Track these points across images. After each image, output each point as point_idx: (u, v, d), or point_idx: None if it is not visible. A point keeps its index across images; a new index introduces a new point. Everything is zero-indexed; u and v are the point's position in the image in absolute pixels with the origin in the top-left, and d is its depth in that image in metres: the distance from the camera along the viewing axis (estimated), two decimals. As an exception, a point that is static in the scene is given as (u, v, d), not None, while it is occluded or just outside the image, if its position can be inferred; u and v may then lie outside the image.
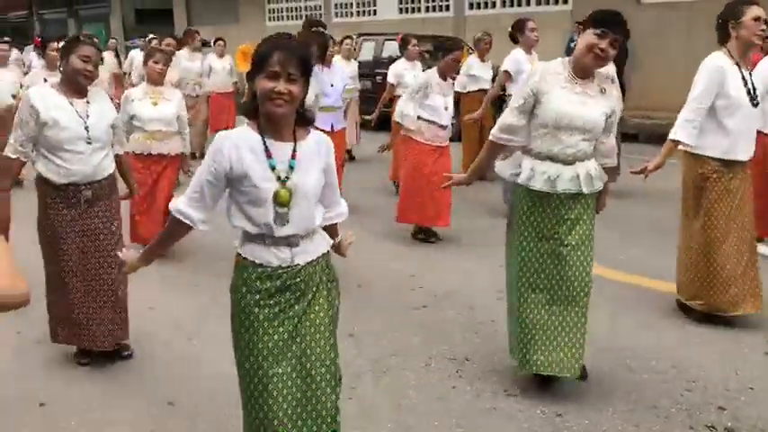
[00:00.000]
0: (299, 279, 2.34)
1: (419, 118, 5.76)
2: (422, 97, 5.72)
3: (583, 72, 3.15)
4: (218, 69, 11.02)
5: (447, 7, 16.86)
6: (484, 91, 8.05)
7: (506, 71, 6.91)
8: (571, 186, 3.18)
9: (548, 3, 15.04)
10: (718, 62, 3.91)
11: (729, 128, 3.91)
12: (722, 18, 3.94)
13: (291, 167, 2.27)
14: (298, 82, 2.21)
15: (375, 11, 18.52)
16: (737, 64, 3.91)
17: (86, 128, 3.59)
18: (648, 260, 5.31)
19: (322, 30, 5.82)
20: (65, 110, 3.57)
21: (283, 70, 2.18)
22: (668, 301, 4.48)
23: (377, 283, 5.06)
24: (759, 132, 4.26)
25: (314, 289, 2.38)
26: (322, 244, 2.45)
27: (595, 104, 3.15)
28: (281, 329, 2.32)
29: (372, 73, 12.47)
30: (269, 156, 2.25)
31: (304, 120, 2.36)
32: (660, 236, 5.65)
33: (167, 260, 5.35)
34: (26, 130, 3.53)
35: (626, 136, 7.88)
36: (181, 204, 2.38)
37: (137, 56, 11.53)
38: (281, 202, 2.25)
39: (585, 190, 3.21)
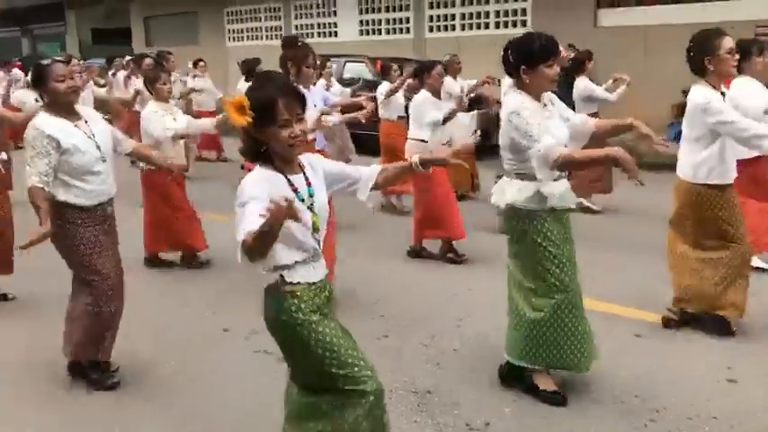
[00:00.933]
0: (328, 287, 2.61)
1: (421, 140, 5.98)
2: (421, 119, 5.96)
3: (540, 97, 3.42)
4: (200, 89, 11.28)
5: (407, 29, 16.95)
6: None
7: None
8: (575, 196, 3.54)
9: (506, 26, 15.21)
10: (707, 94, 3.97)
11: (728, 154, 4.10)
12: (696, 53, 4.03)
13: (311, 195, 2.49)
14: (303, 119, 2.41)
15: (336, 32, 18.53)
16: (722, 93, 4.05)
17: (98, 147, 3.71)
18: (610, 285, 5.31)
19: (305, 43, 5.74)
20: (75, 135, 3.64)
21: (292, 114, 2.34)
22: (631, 328, 4.46)
23: (339, 310, 4.93)
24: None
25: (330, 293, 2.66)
26: None
27: (558, 121, 3.43)
28: (334, 329, 2.56)
29: (333, 94, 12.46)
30: (295, 191, 2.44)
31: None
32: (623, 257, 5.66)
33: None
34: (48, 160, 3.54)
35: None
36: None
37: (119, 77, 11.47)
38: (317, 228, 2.49)
39: (575, 200, 3.55)
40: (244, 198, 2.30)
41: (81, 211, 3.69)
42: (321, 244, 2.56)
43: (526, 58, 3.32)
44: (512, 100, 3.38)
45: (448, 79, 8.55)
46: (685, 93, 13.29)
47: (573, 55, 10.80)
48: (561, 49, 3.46)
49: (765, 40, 5.19)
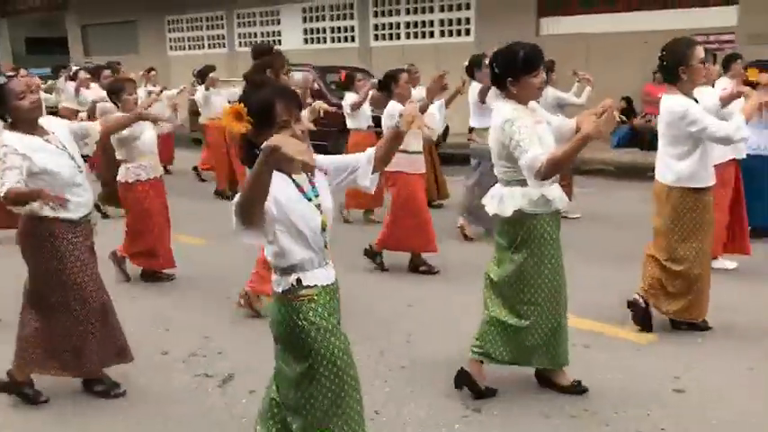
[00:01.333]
0: (338, 289, 2.58)
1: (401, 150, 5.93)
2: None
3: (527, 104, 3.47)
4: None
5: (353, 38, 16.88)
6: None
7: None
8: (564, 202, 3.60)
9: (451, 35, 15.28)
10: (681, 101, 4.11)
11: (708, 158, 4.26)
12: (669, 62, 4.14)
13: (317, 195, 2.46)
14: (300, 119, 2.39)
15: (280, 41, 18.31)
16: (696, 100, 4.19)
17: (72, 158, 3.62)
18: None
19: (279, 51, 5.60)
20: (47, 150, 3.53)
21: (290, 115, 2.32)
22: (581, 339, 4.42)
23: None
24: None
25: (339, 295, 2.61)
26: None
27: (546, 127, 3.49)
28: (342, 337, 2.50)
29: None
30: (302, 191, 2.42)
31: None
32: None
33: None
34: (20, 171, 3.38)
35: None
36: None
37: (69, 86, 10.96)
38: (324, 227, 2.46)
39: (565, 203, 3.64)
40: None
41: (71, 225, 3.60)
42: (328, 245, 2.54)
43: (511, 71, 3.36)
44: (505, 108, 3.42)
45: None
46: (626, 100, 13.49)
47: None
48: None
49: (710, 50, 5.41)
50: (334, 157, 2.67)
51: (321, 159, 2.58)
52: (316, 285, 2.44)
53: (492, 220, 3.74)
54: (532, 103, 3.52)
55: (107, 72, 9.98)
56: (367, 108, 8.03)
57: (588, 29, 13.15)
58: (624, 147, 12.47)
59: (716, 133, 4.07)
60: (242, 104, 2.22)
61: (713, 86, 5.38)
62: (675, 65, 4.10)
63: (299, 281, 2.42)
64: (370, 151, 2.66)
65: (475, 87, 7.11)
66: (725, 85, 5.92)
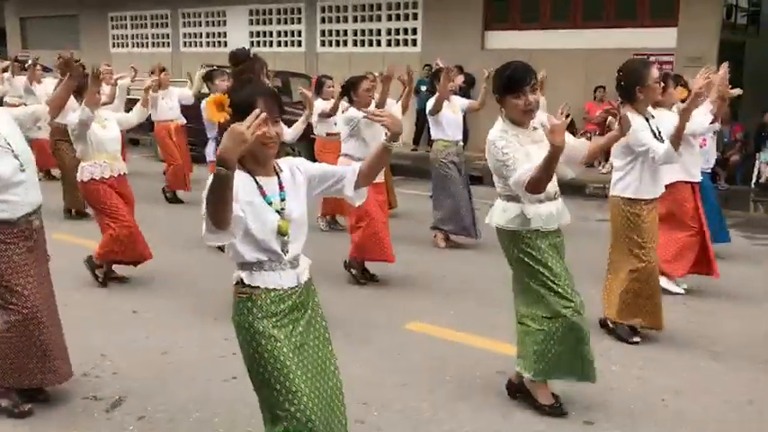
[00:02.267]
0: (303, 296, 2.57)
1: (347, 156, 5.75)
2: (353, 135, 5.74)
3: (525, 124, 3.43)
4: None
5: (300, 43, 16.64)
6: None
7: None
8: (566, 218, 3.58)
9: (398, 44, 15.17)
10: (638, 121, 4.24)
11: (656, 172, 4.45)
12: (626, 81, 4.27)
13: (283, 199, 2.48)
14: (279, 123, 2.45)
15: (225, 42, 17.95)
16: (646, 118, 4.34)
17: (16, 156, 3.42)
18: (476, 316, 5.16)
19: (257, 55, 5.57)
20: None
21: (269, 115, 2.30)
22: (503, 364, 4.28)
23: (184, 352, 4.52)
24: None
25: (310, 303, 2.61)
26: (306, 259, 2.64)
27: (545, 143, 3.31)
28: (292, 346, 2.49)
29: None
30: (263, 193, 2.45)
31: (279, 153, 2.56)
32: (487, 291, 5.53)
33: None
34: None
35: (471, 178, 7.88)
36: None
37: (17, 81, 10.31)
38: (284, 232, 2.45)
39: (568, 218, 3.61)
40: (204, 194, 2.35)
41: (6, 225, 3.42)
42: (293, 251, 2.52)
43: (498, 89, 3.41)
44: (494, 128, 3.47)
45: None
46: (569, 117, 13.57)
47: (463, 79, 10.83)
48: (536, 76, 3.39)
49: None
50: (322, 165, 2.74)
51: (309, 167, 2.65)
52: (258, 287, 2.48)
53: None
54: (542, 119, 3.46)
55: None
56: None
57: (532, 45, 13.16)
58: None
59: (654, 156, 4.27)
60: (226, 96, 2.32)
61: (671, 109, 5.35)
62: (632, 85, 4.23)
63: (242, 279, 2.49)
64: (356, 165, 2.70)
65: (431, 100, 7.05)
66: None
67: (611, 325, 4.74)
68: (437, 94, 6.88)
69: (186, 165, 9.39)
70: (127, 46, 20.33)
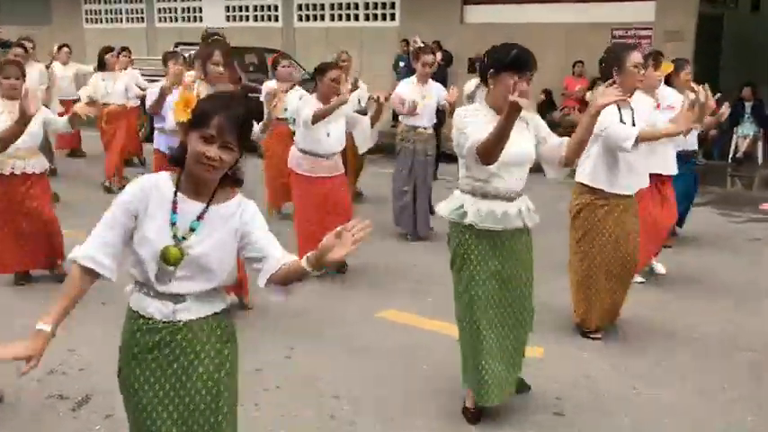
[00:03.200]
0: (179, 336, 2.23)
1: (301, 151, 5.44)
2: (305, 128, 5.34)
3: (503, 111, 3.05)
4: (61, 77, 10.12)
5: (276, 18, 16.35)
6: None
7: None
8: (518, 222, 3.31)
9: (376, 18, 14.96)
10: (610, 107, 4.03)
11: (621, 166, 4.17)
12: (606, 64, 4.14)
13: (193, 229, 2.18)
14: (232, 150, 2.15)
15: (201, 17, 17.60)
16: (618, 107, 4.07)
17: None
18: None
19: (220, 36, 5.13)
20: None
21: (220, 136, 2.11)
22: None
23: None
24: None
25: (197, 348, 2.25)
26: (216, 303, 2.30)
27: (523, 138, 3.24)
28: (157, 387, 2.24)
29: (192, 85, 11.77)
30: (174, 210, 2.18)
31: (231, 181, 2.26)
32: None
33: None
34: None
35: (447, 156, 7.79)
36: (88, 250, 2.18)
37: None
38: (169, 260, 2.15)
39: (530, 224, 3.36)
40: (112, 206, 2.21)
41: None
42: (181, 290, 2.20)
43: (496, 63, 3.21)
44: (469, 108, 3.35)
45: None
46: (545, 92, 13.50)
47: (441, 57, 10.63)
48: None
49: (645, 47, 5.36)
50: (263, 235, 2.25)
51: (252, 225, 2.23)
52: (137, 312, 2.26)
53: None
54: (531, 115, 3.29)
55: (18, 50, 8.78)
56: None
57: (511, 19, 13.03)
58: (543, 139, 12.50)
59: (608, 139, 4.07)
60: (195, 99, 2.22)
61: (655, 93, 5.22)
62: (609, 68, 4.10)
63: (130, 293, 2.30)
64: (281, 260, 2.22)
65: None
66: (670, 95, 5.52)
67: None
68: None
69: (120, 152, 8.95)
70: (100, 21, 19.87)
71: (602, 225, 4.24)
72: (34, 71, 9.20)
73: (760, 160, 11.23)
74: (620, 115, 4.11)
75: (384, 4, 14.80)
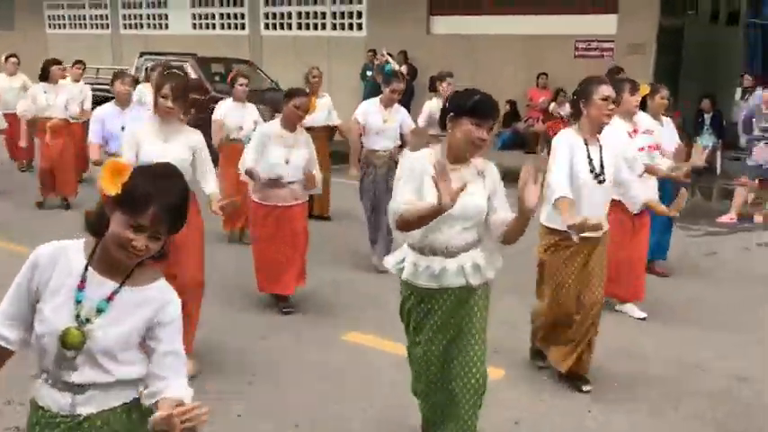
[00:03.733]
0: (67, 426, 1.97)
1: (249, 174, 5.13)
2: (261, 149, 5.06)
3: (459, 158, 3.01)
4: (7, 89, 9.89)
5: (243, 26, 16.31)
6: (325, 127, 7.87)
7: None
8: (455, 281, 3.04)
9: (343, 28, 15.00)
10: (568, 139, 3.94)
11: (579, 204, 3.83)
12: (575, 96, 4.03)
13: (100, 310, 1.92)
14: (160, 240, 1.92)
15: (167, 24, 17.50)
16: (586, 142, 3.94)
17: None
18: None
19: (179, 72, 4.68)
20: None
21: (152, 227, 1.88)
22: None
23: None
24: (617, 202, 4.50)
25: None
26: (124, 394, 2.02)
27: (475, 189, 3.00)
28: None
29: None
30: (81, 287, 1.93)
31: (153, 259, 1.99)
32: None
33: None
34: None
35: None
36: None
37: None
38: (68, 343, 1.90)
39: (473, 282, 3.06)
40: (24, 266, 1.98)
41: None
42: (82, 379, 1.95)
43: (456, 107, 3.00)
44: (423, 151, 3.12)
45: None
46: (510, 103, 13.66)
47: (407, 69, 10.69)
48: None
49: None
50: (168, 341, 1.99)
51: (167, 319, 2.00)
52: (35, 401, 2.02)
53: None
54: (487, 167, 3.09)
55: None
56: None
57: (476, 30, 13.18)
58: (508, 149, 12.62)
59: (549, 191, 3.80)
60: (129, 168, 1.91)
61: (632, 118, 5.22)
62: (578, 99, 3.98)
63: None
64: (165, 387, 1.97)
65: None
66: (644, 120, 5.54)
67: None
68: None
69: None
70: (64, 27, 19.64)
71: (567, 268, 4.04)
72: None
73: (718, 171, 11.49)
74: (588, 152, 3.94)
75: (351, 14, 14.86)
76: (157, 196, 1.87)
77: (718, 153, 11.53)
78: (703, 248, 7.23)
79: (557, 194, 3.73)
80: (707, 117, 11.47)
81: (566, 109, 11.58)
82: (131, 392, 2.03)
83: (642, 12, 11.71)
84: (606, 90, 3.90)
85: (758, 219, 8.38)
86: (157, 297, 2.00)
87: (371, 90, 12.34)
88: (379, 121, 6.29)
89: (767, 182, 8.42)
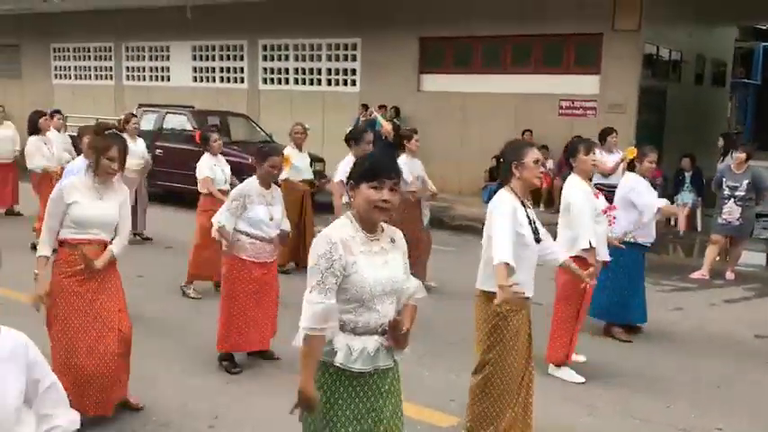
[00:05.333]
0: None
1: (237, 230, 5.14)
2: (240, 209, 5.12)
3: (373, 226, 2.86)
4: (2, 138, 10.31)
5: (242, 80, 16.83)
6: (305, 181, 8.28)
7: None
8: (389, 359, 2.87)
9: (338, 84, 15.49)
10: (509, 201, 3.92)
11: (520, 265, 3.81)
12: (505, 159, 4.07)
13: None
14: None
15: (168, 77, 18.04)
16: (522, 203, 3.97)
17: None
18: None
19: (117, 131, 4.85)
20: None
21: None
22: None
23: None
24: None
25: None
26: None
27: (394, 258, 2.87)
28: None
29: (153, 145, 12.00)
30: None
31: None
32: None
33: None
34: None
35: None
36: None
37: None
38: None
39: (398, 358, 2.92)
40: None
41: None
42: None
43: (354, 175, 2.85)
44: (334, 222, 2.89)
45: (293, 152, 8.04)
46: (497, 158, 14.02)
47: (392, 127, 11.06)
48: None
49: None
50: (40, 379, 2.06)
51: (36, 363, 2.05)
52: None
53: None
54: (394, 234, 2.95)
55: None
56: (219, 173, 7.32)
57: (464, 88, 13.65)
58: (494, 203, 12.94)
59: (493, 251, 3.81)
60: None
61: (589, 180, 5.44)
62: (509, 162, 3.99)
63: None
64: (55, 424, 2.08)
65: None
66: (601, 155, 6.33)
67: None
68: None
69: None
70: (69, 78, 20.21)
71: (514, 333, 3.94)
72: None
73: (699, 228, 11.73)
74: (526, 212, 3.96)
75: (345, 71, 15.36)
76: None
77: (698, 210, 11.80)
78: (670, 303, 7.40)
79: (503, 259, 3.70)
80: (687, 175, 11.77)
81: (549, 164, 11.93)
82: None
83: (623, 74, 12.16)
84: (536, 153, 3.99)
85: (729, 276, 8.58)
86: (19, 345, 2.04)
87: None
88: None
89: (735, 239, 8.66)
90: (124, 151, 4.22)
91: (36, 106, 12.15)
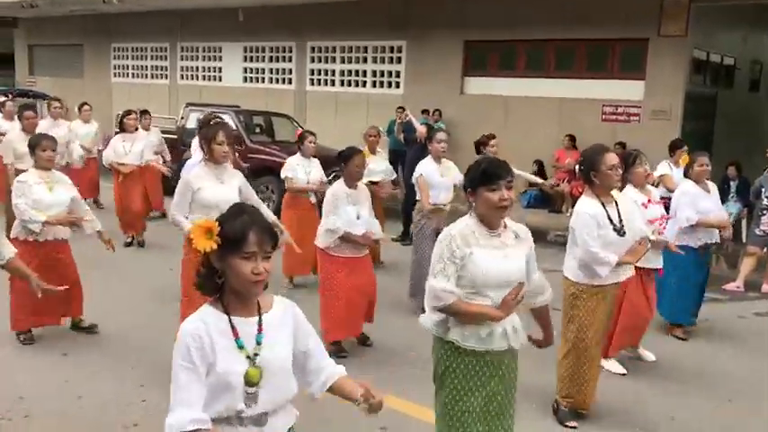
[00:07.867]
0: None
1: (329, 231, 5.47)
2: (333, 212, 5.46)
3: (494, 224, 3.15)
4: (83, 135, 10.73)
5: (290, 81, 17.12)
6: (374, 183, 8.11)
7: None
8: (503, 343, 3.17)
9: (382, 86, 15.61)
10: (588, 210, 4.34)
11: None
12: (585, 166, 4.37)
13: (258, 342, 2.22)
14: (270, 258, 2.21)
15: (220, 77, 18.49)
16: (603, 204, 4.36)
17: None
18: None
19: (218, 122, 5.56)
20: None
21: (260, 249, 2.17)
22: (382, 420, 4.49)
23: (98, 397, 4.81)
24: None
25: None
26: (290, 417, 2.36)
27: (515, 253, 3.16)
28: None
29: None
30: (236, 335, 2.20)
31: (265, 288, 2.29)
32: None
33: None
34: None
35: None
36: (185, 415, 2.11)
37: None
38: (251, 381, 2.18)
39: (515, 345, 3.22)
40: (176, 358, 2.15)
41: None
42: (263, 405, 2.22)
43: (471, 181, 3.17)
44: (455, 223, 3.21)
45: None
46: (537, 163, 13.91)
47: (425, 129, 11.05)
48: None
49: (635, 153, 5.55)
50: (312, 342, 2.39)
51: (304, 326, 2.38)
52: None
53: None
54: (519, 228, 3.26)
55: (29, 113, 8.54)
56: (302, 174, 7.48)
57: (507, 92, 13.58)
58: (533, 207, 12.86)
59: (586, 254, 4.29)
60: (216, 223, 2.17)
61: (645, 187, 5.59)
62: (588, 169, 4.33)
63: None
64: (336, 371, 2.44)
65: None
66: (665, 167, 7.11)
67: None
68: None
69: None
70: (127, 76, 20.91)
71: (591, 313, 4.41)
72: (62, 130, 9.95)
73: (744, 239, 11.39)
74: (606, 212, 4.35)
75: (390, 73, 15.47)
76: (249, 221, 2.18)
77: (744, 221, 11.45)
78: (701, 315, 7.20)
79: (609, 263, 4.29)
80: (732, 184, 11.45)
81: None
82: (293, 417, 2.38)
83: (669, 80, 11.89)
84: (612, 158, 4.32)
85: (766, 288, 8.33)
86: (288, 310, 2.35)
87: (394, 145, 12.85)
88: (437, 177, 6.62)
89: (774, 251, 8.41)
90: (230, 136, 4.95)
91: (96, 104, 12.69)
